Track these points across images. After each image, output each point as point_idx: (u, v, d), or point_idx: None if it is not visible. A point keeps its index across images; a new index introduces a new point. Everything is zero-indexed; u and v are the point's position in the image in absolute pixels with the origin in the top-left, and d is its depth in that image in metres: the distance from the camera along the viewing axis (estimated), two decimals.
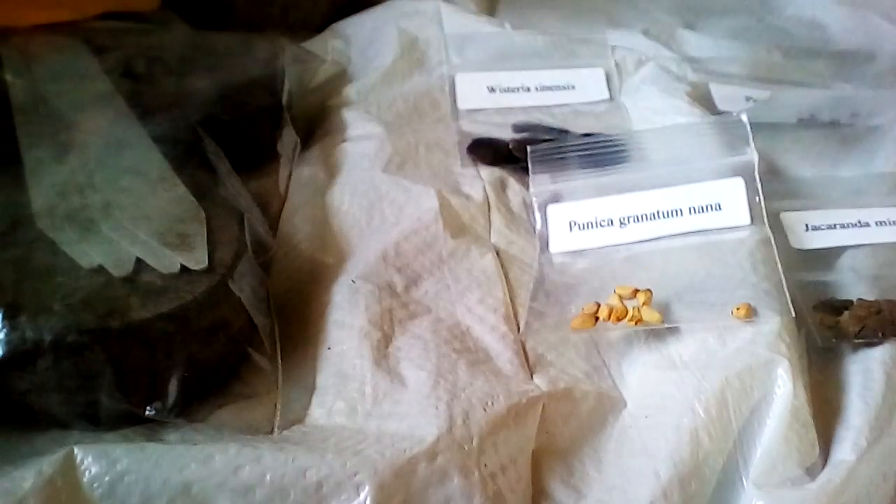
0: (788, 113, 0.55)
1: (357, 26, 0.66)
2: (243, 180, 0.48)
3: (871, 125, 0.55)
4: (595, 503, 0.36)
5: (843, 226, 0.47)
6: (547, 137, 0.55)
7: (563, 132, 0.56)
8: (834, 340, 0.41)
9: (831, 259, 0.47)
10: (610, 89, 0.60)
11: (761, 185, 0.45)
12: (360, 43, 0.65)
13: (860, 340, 0.41)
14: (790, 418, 0.36)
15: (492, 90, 0.60)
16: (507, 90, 0.60)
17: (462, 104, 0.59)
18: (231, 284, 0.40)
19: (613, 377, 0.41)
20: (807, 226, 0.47)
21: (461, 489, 0.34)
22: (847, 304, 0.43)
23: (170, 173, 0.45)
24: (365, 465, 0.33)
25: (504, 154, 0.54)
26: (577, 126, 0.57)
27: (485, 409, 0.36)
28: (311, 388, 0.39)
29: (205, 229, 0.42)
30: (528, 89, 0.60)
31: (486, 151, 0.54)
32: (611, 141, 0.50)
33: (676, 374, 0.39)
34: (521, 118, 0.58)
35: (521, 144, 0.53)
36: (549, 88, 0.60)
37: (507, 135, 0.56)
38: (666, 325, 0.41)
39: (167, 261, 0.40)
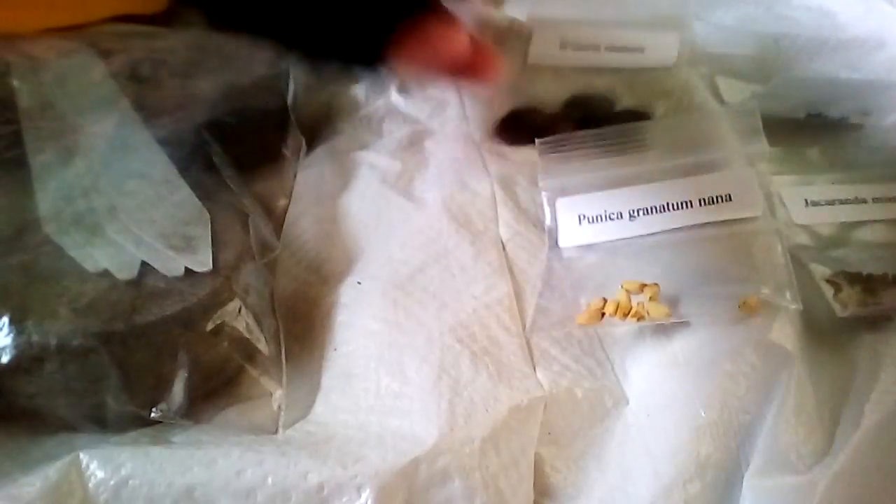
0: (796, 106, 0.54)
1: None
2: (248, 182, 0.48)
3: (881, 125, 0.55)
4: (597, 503, 0.36)
5: (841, 201, 0.47)
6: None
7: (608, 108, 0.56)
8: (850, 311, 0.40)
9: (838, 235, 0.46)
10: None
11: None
12: None
13: (877, 312, 0.40)
14: (793, 415, 0.36)
15: (564, 46, 0.60)
16: (579, 47, 0.60)
17: (532, 58, 0.60)
18: (235, 286, 0.40)
19: (617, 374, 0.40)
20: (806, 201, 0.47)
21: (462, 490, 0.34)
22: (858, 278, 0.42)
23: (175, 176, 0.45)
24: (366, 467, 0.33)
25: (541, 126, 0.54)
26: (624, 97, 0.57)
27: (487, 410, 0.36)
28: (316, 388, 0.39)
29: (209, 232, 0.42)
30: (598, 48, 0.60)
31: (523, 124, 0.55)
32: (620, 132, 0.50)
33: (679, 372, 0.38)
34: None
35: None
36: (618, 49, 0.60)
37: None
38: (672, 320, 0.40)
39: (172, 264, 0.40)
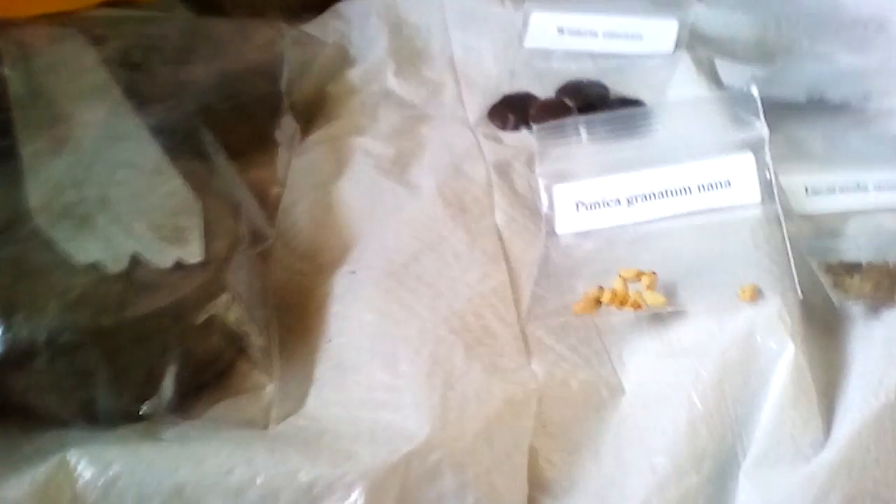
0: (797, 90, 0.54)
1: (358, 5, 0.65)
2: (241, 169, 0.47)
3: (883, 108, 0.54)
4: (592, 497, 0.36)
5: (842, 189, 0.46)
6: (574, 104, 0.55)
7: (603, 95, 0.56)
8: (850, 301, 0.40)
9: (837, 224, 0.46)
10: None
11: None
12: (362, 23, 0.64)
13: (877, 302, 0.40)
14: (791, 405, 0.35)
15: (561, 31, 0.60)
16: (576, 33, 0.60)
17: (529, 42, 0.59)
18: (226, 277, 0.40)
19: (613, 363, 0.40)
20: (806, 189, 0.46)
21: (454, 486, 0.33)
22: (857, 267, 0.42)
23: (166, 165, 0.44)
24: (357, 465, 0.33)
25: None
26: (619, 84, 0.57)
27: (480, 404, 0.36)
28: (308, 381, 0.39)
29: (200, 222, 0.41)
30: (596, 34, 0.59)
31: (516, 109, 0.55)
32: (619, 118, 0.49)
33: (675, 362, 0.38)
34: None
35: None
36: (616, 36, 0.59)
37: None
38: (669, 309, 0.40)
39: (162, 255, 0.39)
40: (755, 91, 0.46)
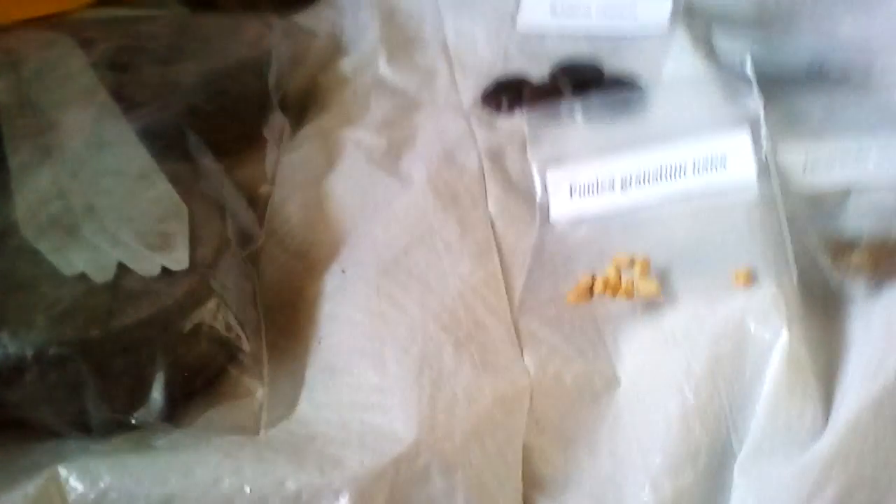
0: (796, 61, 0.52)
1: None
2: (229, 168, 0.47)
3: (886, 78, 0.52)
4: (588, 495, 0.35)
5: (841, 163, 0.45)
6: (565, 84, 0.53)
7: (598, 74, 0.55)
8: (848, 279, 0.39)
9: (836, 199, 0.45)
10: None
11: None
12: (354, 11, 0.63)
13: (876, 279, 0.39)
14: (787, 393, 0.35)
15: (554, 10, 0.59)
16: (569, 12, 0.59)
17: (522, 23, 0.59)
18: (213, 282, 0.39)
19: (610, 353, 0.39)
20: (804, 164, 0.46)
21: (444, 489, 0.33)
22: (856, 243, 0.41)
23: (152, 170, 0.44)
24: (345, 472, 0.33)
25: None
26: (614, 62, 0.55)
27: (469, 403, 0.35)
28: (300, 384, 0.39)
29: (187, 227, 0.41)
30: (589, 12, 0.58)
31: (510, 92, 0.54)
32: (613, 99, 0.48)
33: (669, 353, 0.37)
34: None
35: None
36: (610, 13, 0.58)
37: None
38: (663, 297, 0.39)
39: (148, 263, 0.39)
40: (750, 67, 0.45)
